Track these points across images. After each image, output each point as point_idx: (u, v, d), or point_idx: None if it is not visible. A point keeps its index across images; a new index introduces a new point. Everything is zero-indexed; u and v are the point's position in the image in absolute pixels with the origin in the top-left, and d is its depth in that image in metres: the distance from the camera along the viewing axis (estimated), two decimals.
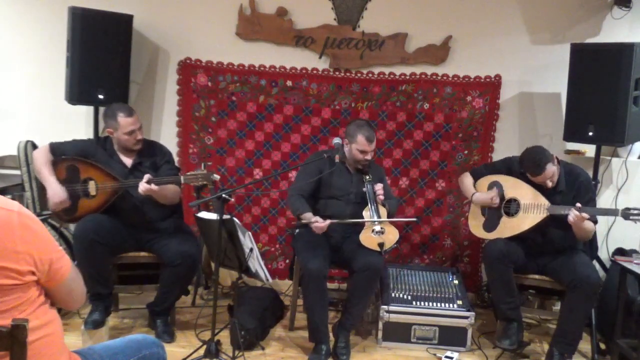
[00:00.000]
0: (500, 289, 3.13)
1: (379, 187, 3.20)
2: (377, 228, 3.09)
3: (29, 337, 1.34)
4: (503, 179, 3.30)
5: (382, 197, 3.18)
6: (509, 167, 3.34)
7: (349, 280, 3.38)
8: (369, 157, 3.25)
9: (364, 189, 3.21)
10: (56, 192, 3.08)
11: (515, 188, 3.23)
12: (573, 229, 3.02)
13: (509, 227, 3.19)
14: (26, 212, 1.48)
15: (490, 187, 3.32)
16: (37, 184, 3.63)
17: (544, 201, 3.09)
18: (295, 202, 3.23)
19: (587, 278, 2.96)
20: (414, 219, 3.70)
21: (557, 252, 3.16)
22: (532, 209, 3.13)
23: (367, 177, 3.23)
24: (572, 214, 2.93)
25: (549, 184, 3.07)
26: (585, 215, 2.92)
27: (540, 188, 3.13)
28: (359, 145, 3.21)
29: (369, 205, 3.15)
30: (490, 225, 3.29)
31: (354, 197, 3.30)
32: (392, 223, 3.18)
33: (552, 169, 3.04)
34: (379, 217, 3.12)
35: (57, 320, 1.58)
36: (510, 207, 3.23)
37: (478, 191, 3.35)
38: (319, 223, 3.06)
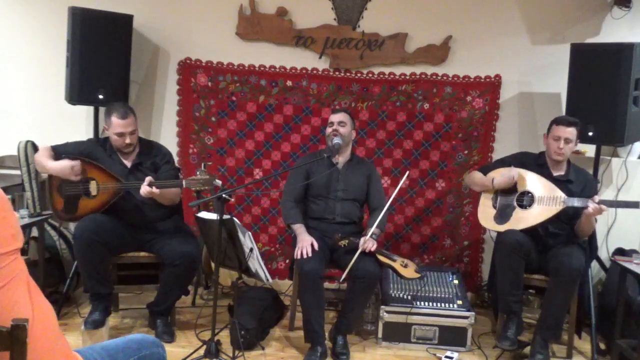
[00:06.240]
0: (509, 280, 3.12)
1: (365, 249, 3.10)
2: (403, 264, 3.24)
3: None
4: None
5: (370, 248, 3.10)
6: (521, 160, 3.33)
7: (347, 284, 3.37)
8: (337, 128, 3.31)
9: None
10: (63, 165, 3.07)
11: (529, 181, 3.22)
12: (582, 220, 3.08)
13: (522, 219, 3.16)
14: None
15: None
16: (37, 184, 3.63)
17: (559, 194, 3.10)
18: (288, 210, 3.31)
19: (568, 263, 3.00)
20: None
21: (557, 245, 3.18)
22: (547, 201, 3.12)
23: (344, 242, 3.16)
24: (592, 205, 2.96)
25: (562, 145, 3.12)
26: (604, 207, 2.96)
27: (553, 179, 3.17)
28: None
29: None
30: (502, 218, 3.24)
31: (342, 195, 3.32)
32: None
33: (574, 136, 3.14)
34: (393, 259, 3.24)
35: (48, 306, 1.55)
36: (523, 199, 3.21)
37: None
38: (305, 242, 3.08)
